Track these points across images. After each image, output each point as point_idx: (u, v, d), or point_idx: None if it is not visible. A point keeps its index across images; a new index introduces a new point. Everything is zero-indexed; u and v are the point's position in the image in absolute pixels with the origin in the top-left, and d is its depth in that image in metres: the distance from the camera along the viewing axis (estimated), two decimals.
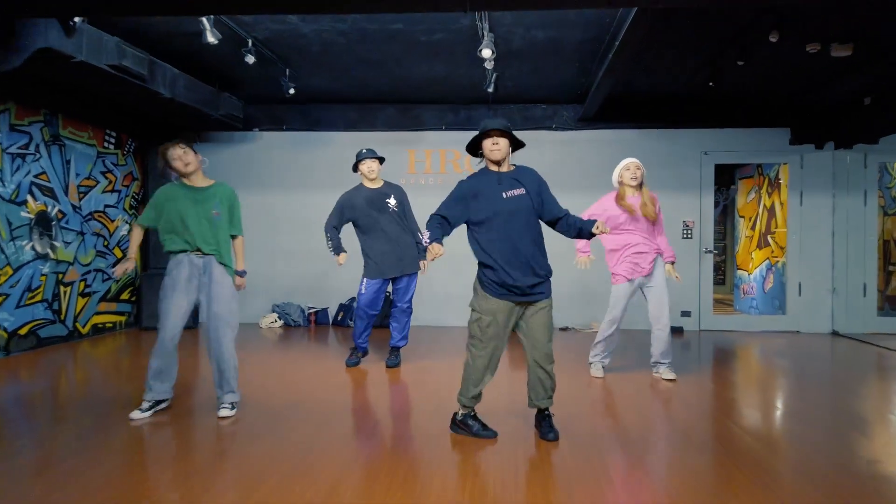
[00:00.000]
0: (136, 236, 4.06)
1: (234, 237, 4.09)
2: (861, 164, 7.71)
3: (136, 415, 3.88)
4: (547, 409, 3.59)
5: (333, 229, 5.36)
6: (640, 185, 5.01)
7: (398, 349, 5.62)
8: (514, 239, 3.33)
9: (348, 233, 5.50)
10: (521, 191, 3.38)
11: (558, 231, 3.53)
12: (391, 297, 5.59)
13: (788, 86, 6.80)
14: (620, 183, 5.05)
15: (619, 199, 4.96)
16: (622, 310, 5.05)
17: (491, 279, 3.38)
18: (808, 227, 7.86)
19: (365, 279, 5.37)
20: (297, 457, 3.24)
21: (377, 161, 5.33)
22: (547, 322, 3.45)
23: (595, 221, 3.38)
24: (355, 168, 5.39)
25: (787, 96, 7.21)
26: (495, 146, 3.36)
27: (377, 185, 5.36)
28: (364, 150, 5.33)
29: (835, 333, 7.76)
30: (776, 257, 8.77)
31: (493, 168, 3.47)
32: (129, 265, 3.92)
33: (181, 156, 3.87)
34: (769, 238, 9.04)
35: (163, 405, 4.03)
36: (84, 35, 4.72)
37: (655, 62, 6.00)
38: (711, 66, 5.93)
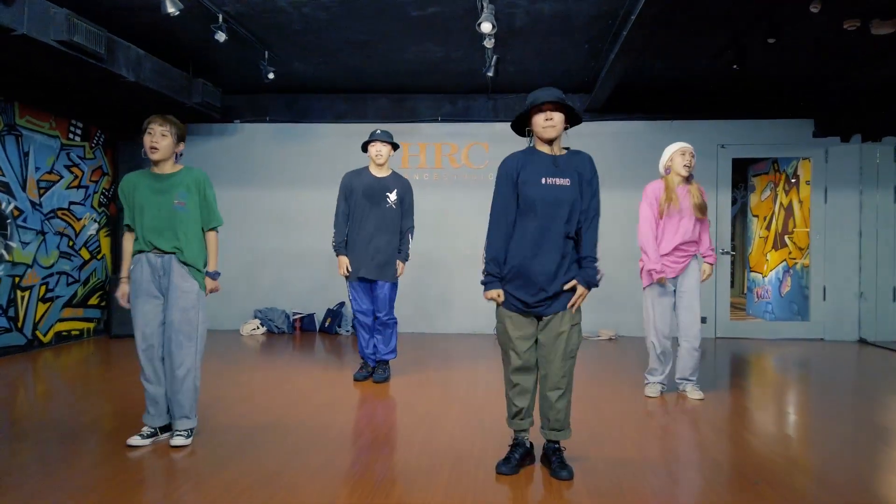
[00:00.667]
0: (128, 244, 3.44)
1: (207, 230, 3.48)
2: (891, 158, 7.13)
3: (134, 441, 3.33)
4: (557, 442, 3.01)
5: (341, 222, 4.82)
6: (690, 176, 4.43)
7: (386, 363, 5.03)
8: (544, 238, 2.87)
9: None
10: (568, 181, 2.88)
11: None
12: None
13: (818, 70, 6.21)
14: (668, 170, 4.44)
15: (668, 190, 4.35)
16: (659, 316, 4.41)
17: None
18: (832, 226, 7.28)
19: (350, 285, 4.86)
20: (263, 493, 2.65)
21: (389, 146, 4.78)
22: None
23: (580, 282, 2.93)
24: (364, 148, 4.87)
25: (813, 83, 6.63)
26: (549, 122, 2.85)
27: (384, 173, 4.84)
28: (378, 131, 4.81)
29: (862, 341, 7.18)
30: (794, 259, 8.21)
31: (544, 148, 2.94)
32: (124, 287, 3.38)
33: (153, 134, 3.27)
34: (786, 238, 8.48)
35: (166, 434, 3.45)
36: (26, 4, 4.13)
37: (675, 42, 5.41)
38: (737, 47, 5.35)
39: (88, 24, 4.64)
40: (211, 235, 3.48)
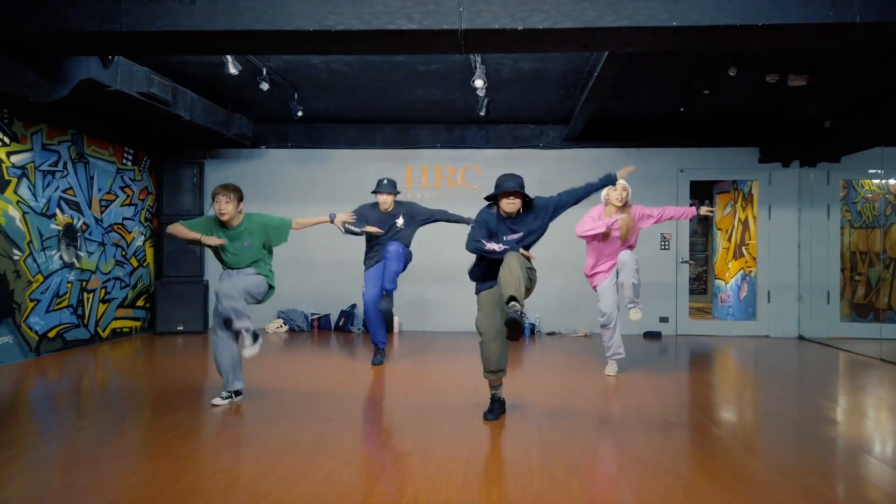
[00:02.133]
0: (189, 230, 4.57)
1: (290, 228, 4.77)
2: (824, 181, 8.35)
3: (216, 400, 4.47)
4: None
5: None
6: (624, 206, 5.52)
7: (381, 349, 6.14)
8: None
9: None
10: (520, 234, 4.09)
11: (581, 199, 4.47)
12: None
13: (754, 110, 7.44)
14: (606, 202, 5.58)
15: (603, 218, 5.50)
16: (606, 303, 5.56)
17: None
18: (776, 239, 8.48)
19: (365, 274, 6.05)
20: (315, 438, 3.79)
21: (392, 196, 5.95)
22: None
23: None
24: (374, 192, 6.01)
25: (754, 119, 7.85)
26: (511, 204, 4.03)
27: (389, 209, 6.00)
28: (385, 182, 5.95)
29: (801, 338, 8.36)
30: (750, 267, 9.38)
31: (503, 211, 4.11)
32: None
33: (220, 203, 4.49)
34: (744, 249, 9.65)
35: (240, 397, 4.58)
36: (118, 66, 5.28)
37: (631, 90, 6.62)
38: (682, 93, 6.55)
39: (160, 77, 5.80)
40: (293, 222, 4.79)
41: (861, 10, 3.60)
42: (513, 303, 3.67)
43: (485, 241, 4.01)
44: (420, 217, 6.10)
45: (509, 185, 4.01)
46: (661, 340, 8.14)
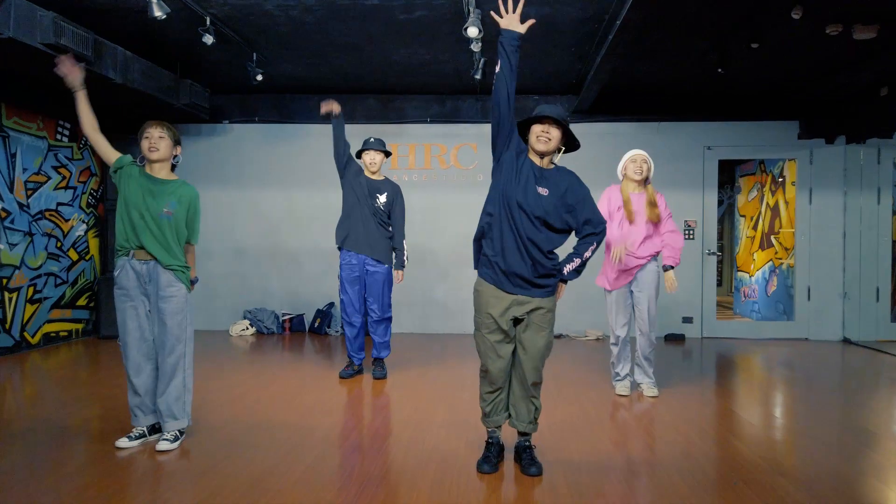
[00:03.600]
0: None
1: (186, 244, 3.52)
2: (875, 159, 7.22)
3: (122, 442, 3.39)
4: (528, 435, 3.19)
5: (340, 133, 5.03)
6: (644, 181, 4.51)
7: (381, 360, 5.24)
8: (522, 236, 2.98)
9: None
10: (546, 192, 3.01)
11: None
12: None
13: (802, 73, 6.27)
14: (624, 176, 4.55)
15: (624, 201, 4.48)
16: (615, 316, 4.61)
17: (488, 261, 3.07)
18: (817, 227, 7.36)
19: (341, 251, 5.07)
20: (251, 495, 2.68)
21: (381, 154, 5.10)
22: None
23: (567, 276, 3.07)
24: (358, 155, 5.14)
25: (798, 86, 6.68)
26: (544, 134, 3.00)
27: (377, 177, 5.14)
28: (371, 139, 5.13)
29: (846, 341, 7.27)
30: (780, 259, 8.29)
31: (535, 158, 3.07)
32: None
33: (151, 137, 3.38)
34: (773, 239, 8.56)
35: (156, 435, 3.51)
36: (13, 8, 4.13)
37: (659, 46, 5.45)
38: (720, 50, 5.40)
39: (75, 26, 4.63)
40: (191, 248, 3.56)
41: None
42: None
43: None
44: (398, 219, 5.14)
45: (548, 111, 3.03)
46: (685, 344, 7.05)
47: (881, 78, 6.10)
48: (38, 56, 4.55)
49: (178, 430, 3.45)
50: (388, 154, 5.17)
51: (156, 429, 3.50)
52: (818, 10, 4.54)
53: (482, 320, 3.05)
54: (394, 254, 5.14)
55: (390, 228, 5.12)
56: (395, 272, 5.12)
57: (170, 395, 3.40)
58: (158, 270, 3.36)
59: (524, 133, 3.10)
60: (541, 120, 3.01)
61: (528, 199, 2.94)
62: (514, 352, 3.07)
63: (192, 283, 3.51)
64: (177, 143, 3.50)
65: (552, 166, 3.10)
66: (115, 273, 3.38)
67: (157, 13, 4.15)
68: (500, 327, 2.99)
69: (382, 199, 5.04)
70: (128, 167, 3.41)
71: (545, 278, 3.01)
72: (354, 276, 5.03)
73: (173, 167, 3.52)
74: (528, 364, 3.04)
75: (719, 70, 5.53)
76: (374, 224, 5.01)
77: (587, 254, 3.05)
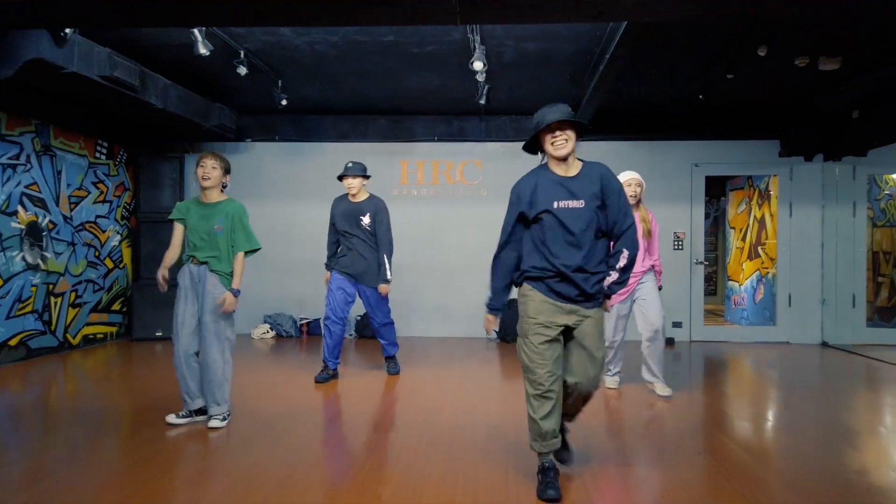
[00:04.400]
0: (178, 233, 4.08)
1: (237, 252, 4.04)
2: (850, 175, 7.78)
3: (171, 418, 4.02)
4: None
5: (331, 243, 5.55)
6: (637, 203, 4.97)
7: (393, 357, 5.73)
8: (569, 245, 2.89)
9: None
10: (581, 203, 2.86)
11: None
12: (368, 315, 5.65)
13: (778, 98, 6.86)
14: None
15: None
16: (613, 331, 4.96)
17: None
18: (797, 238, 7.91)
19: (332, 273, 5.43)
20: (291, 464, 3.24)
21: (359, 179, 5.33)
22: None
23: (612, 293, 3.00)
24: (340, 178, 5.40)
25: (776, 109, 7.27)
26: (562, 141, 2.86)
27: (359, 199, 5.40)
28: (349, 165, 5.36)
29: (825, 344, 7.80)
30: (766, 268, 8.82)
31: (557, 168, 2.94)
32: (162, 271, 4.04)
33: (205, 167, 3.97)
34: (759, 249, 9.09)
35: (202, 416, 4.09)
36: (75, 46, 4.73)
37: (645, 75, 6.05)
38: (701, 79, 5.98)
39: (126, 60, 5.24)
40: (239, 256, 4.03)
41: None
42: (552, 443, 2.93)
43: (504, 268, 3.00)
44: (383, 233, 5.35)
45: (553, 117, 2.84)
46: (675, 347, 7.58)
47: (852, 102, 6.68)
48: (93, 86, 5.15)
49: (226, 413, 4.01)
50: (366, 177, 5.38)
51: (202, 411, 4.06)
52: (785, 45, 5.12)
53: (528, 326, 2.92)
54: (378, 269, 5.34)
55: (376, 251, 5.37)
56: (379, 286, 5.33)
57: (212, 383, 3.96)
58: (207, 273, 3.95)
59: (533, 148, 3.03)
60: (548, 128, 2.85)
61: (564, 215, 2.84)
62: (565, 369, 2.98)
63: (234, 293, 3.97)
64: (227, 171, 4.09)
65: (578, 164, 2.95)
66: (178, 275, 4.03)
67: (203, 51, 4.75)
68: (547, 332, 2.88)
69: (366, 219, 5.33)
70: (181, 208, 4.06)
71: (595, 289, 2.92)
72: (343, 285, 5.35)
73: (223, 188, 4.10)
74: (582, 377, 2.95)
75: (700, 97, 6.11)
76: (366, 249, 5.32)
77: (621, 263, 2.91)
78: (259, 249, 4.10)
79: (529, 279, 2.95)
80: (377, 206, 5.38)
